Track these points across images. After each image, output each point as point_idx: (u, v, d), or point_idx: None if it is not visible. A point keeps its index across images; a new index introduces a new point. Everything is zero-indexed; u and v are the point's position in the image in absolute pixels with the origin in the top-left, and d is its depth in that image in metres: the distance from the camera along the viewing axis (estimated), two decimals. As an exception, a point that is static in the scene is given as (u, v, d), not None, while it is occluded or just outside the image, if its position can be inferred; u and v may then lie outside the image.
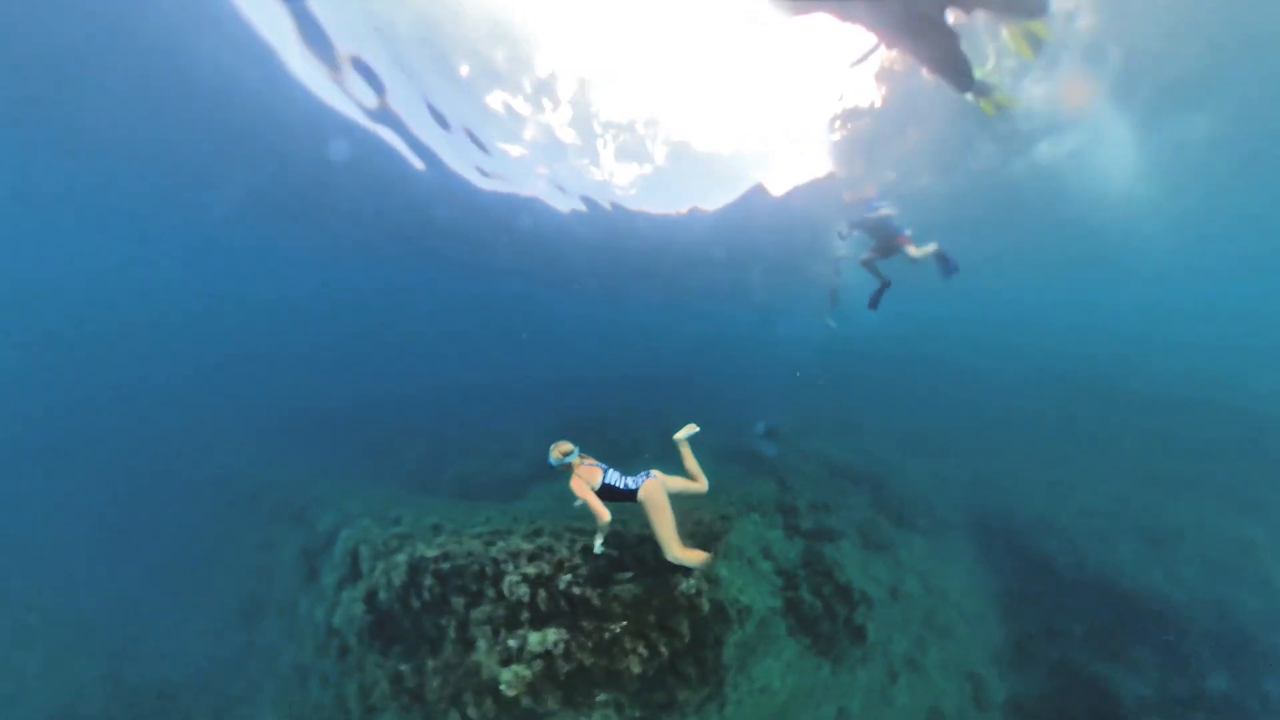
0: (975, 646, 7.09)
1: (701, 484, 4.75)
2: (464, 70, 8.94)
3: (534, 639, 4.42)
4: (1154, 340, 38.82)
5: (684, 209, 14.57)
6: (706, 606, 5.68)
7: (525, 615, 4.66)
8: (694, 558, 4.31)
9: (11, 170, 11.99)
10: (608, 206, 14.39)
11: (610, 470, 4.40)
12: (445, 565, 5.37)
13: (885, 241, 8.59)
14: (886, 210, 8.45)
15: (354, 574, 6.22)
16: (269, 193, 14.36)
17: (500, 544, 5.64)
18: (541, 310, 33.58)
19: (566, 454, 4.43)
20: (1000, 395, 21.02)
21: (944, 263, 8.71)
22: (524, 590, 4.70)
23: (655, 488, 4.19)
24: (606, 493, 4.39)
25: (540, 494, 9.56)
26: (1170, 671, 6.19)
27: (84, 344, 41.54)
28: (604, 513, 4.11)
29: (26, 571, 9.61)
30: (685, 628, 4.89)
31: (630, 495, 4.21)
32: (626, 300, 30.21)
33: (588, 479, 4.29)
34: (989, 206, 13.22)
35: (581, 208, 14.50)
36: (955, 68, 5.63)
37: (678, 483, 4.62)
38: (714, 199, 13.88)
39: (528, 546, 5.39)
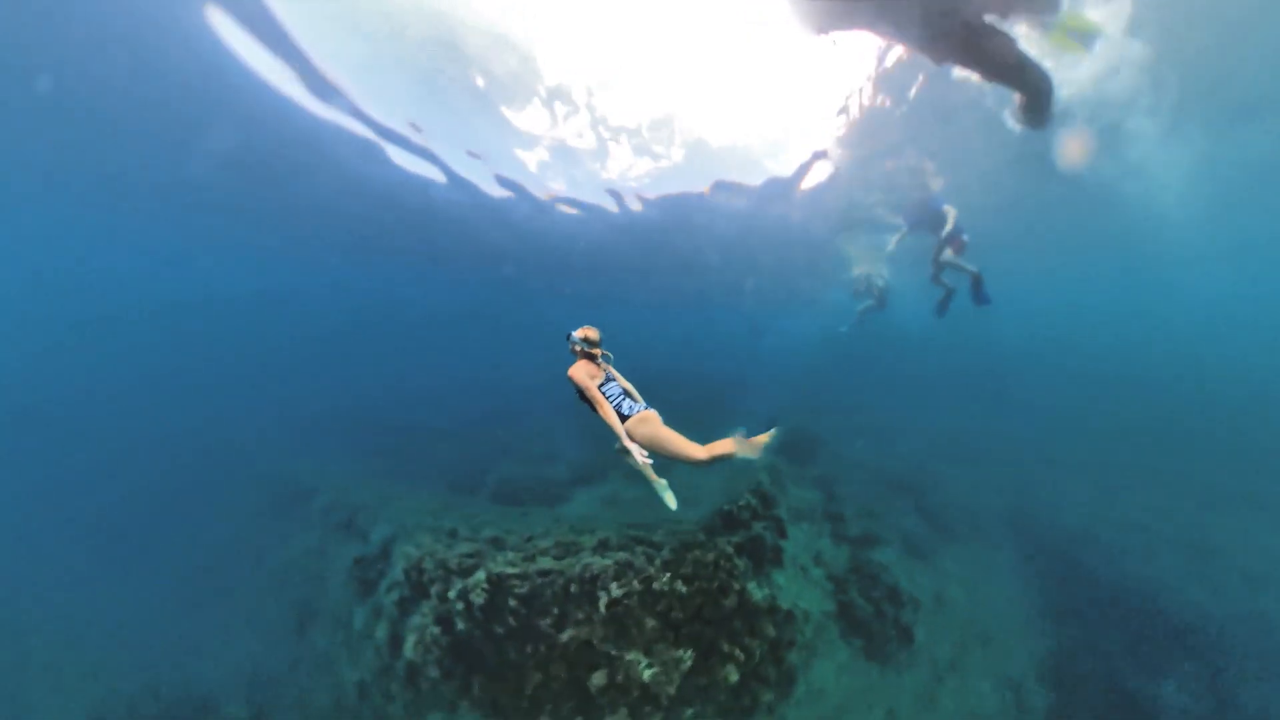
0: (1017, 654, 7.64)
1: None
2: (479, 82, 9.27)
3: (640, 663, 4.67)
4: (1203, 350, 38.48)
5: (697, 200, 14.68)
6: (785, 608, 6.22)
7: (623, 636, 4.86)
8: (725, 447, 3.67)
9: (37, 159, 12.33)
10: (614, 208, 14.68)
11: (613, 384, 3.97)
12: (524, 587, 5.36)
13: (941, 241, 8.91)
14: (950, 209, 8.73)
15: (418, 593, 6.19)
16: (299, 203, 14.86)
17: (572, 560, 5.81)
18: (565, 309, 34.12)
19: (592, 342, 3.94)
20: (1045, 401, 21.29)
21: (979, 290, 9.02)
22: (622, 605, 4.89)
23: (645, 420, 3.72)
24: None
25: (585, 498, 10.00)
26: (1207, 685, 6.73)
27: (126, 346, 43.11)
28: (609, 408, 3.72)
29: (59, 575, 9.98)
30: (770, 629, 5.39)
31: (621, 418, 3.79)
32: (649, 299, 30.56)
33: (592, 374, 3.85)
34: (1029, 211, 13.28)
35: (603, 205, 14.78)
36: (1020, 75, 5.42)
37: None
38: (720, 196, 13.97)
39: (605, 562, 5.54)
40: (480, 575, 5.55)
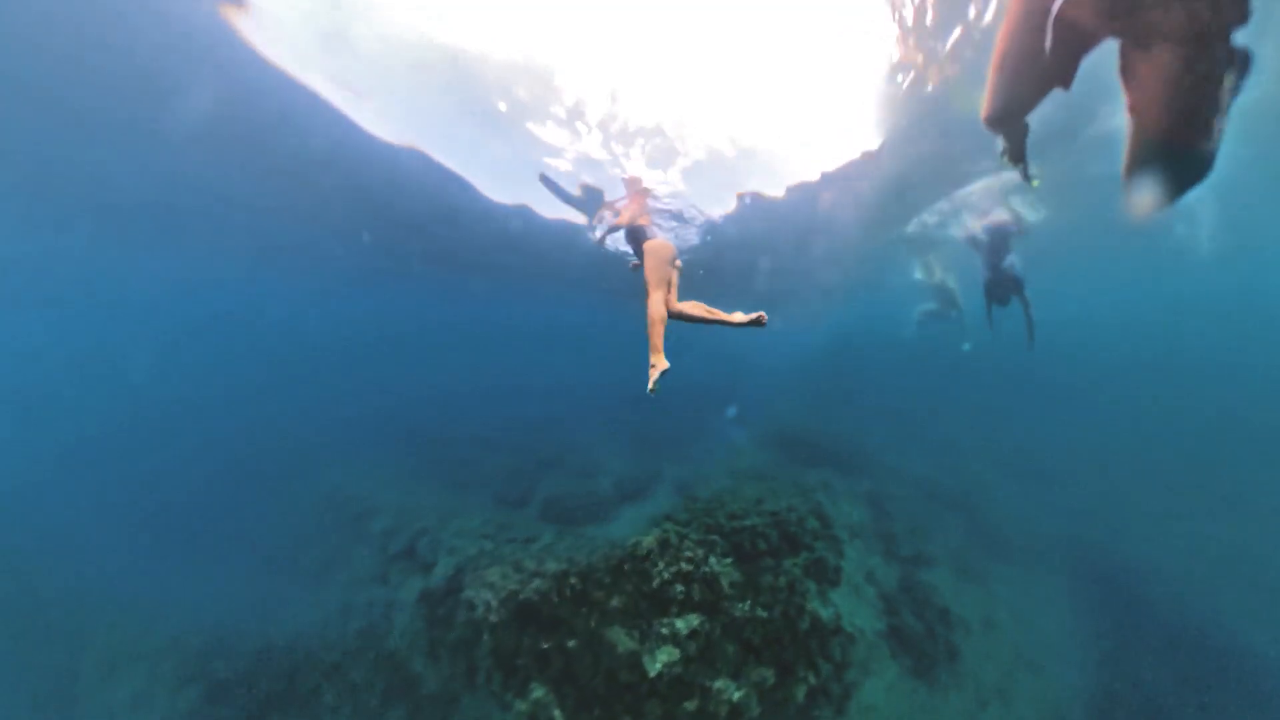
0: (1064, 685, 8.18)
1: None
2: (501, 105, 9.71)
3: (729, 688, 5.29)
4: None
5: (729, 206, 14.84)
6: (848, 630, 6.87)
7: (710, 665, 5.43)
8: (656, 313, 3.88)
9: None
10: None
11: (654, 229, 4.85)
12: (609, 628, 5.69)
13: (996, 279, 9.00)
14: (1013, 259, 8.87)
15: (495, 639, 6.30)
16: (347, 218, 15.68)
17: (647, 593, 6.17)
18: (598, 320, 34.81)
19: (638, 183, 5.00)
20: (1112, 416, 21.07)
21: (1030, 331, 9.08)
22: (705, 637, 5.55)
23: (663, 247, 4.34)
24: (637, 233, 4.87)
25: (631, 516, 10.61)
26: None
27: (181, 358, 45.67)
28: (623, 221, 4.89)
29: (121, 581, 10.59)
30: (838, 652, 6.07)
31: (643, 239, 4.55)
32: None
33: (635, 211, 4.79)
34: (1090, 213, 12.98)
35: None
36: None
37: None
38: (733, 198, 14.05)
39: (684, 594, 6.09)
40: (556, 621, 5.91)
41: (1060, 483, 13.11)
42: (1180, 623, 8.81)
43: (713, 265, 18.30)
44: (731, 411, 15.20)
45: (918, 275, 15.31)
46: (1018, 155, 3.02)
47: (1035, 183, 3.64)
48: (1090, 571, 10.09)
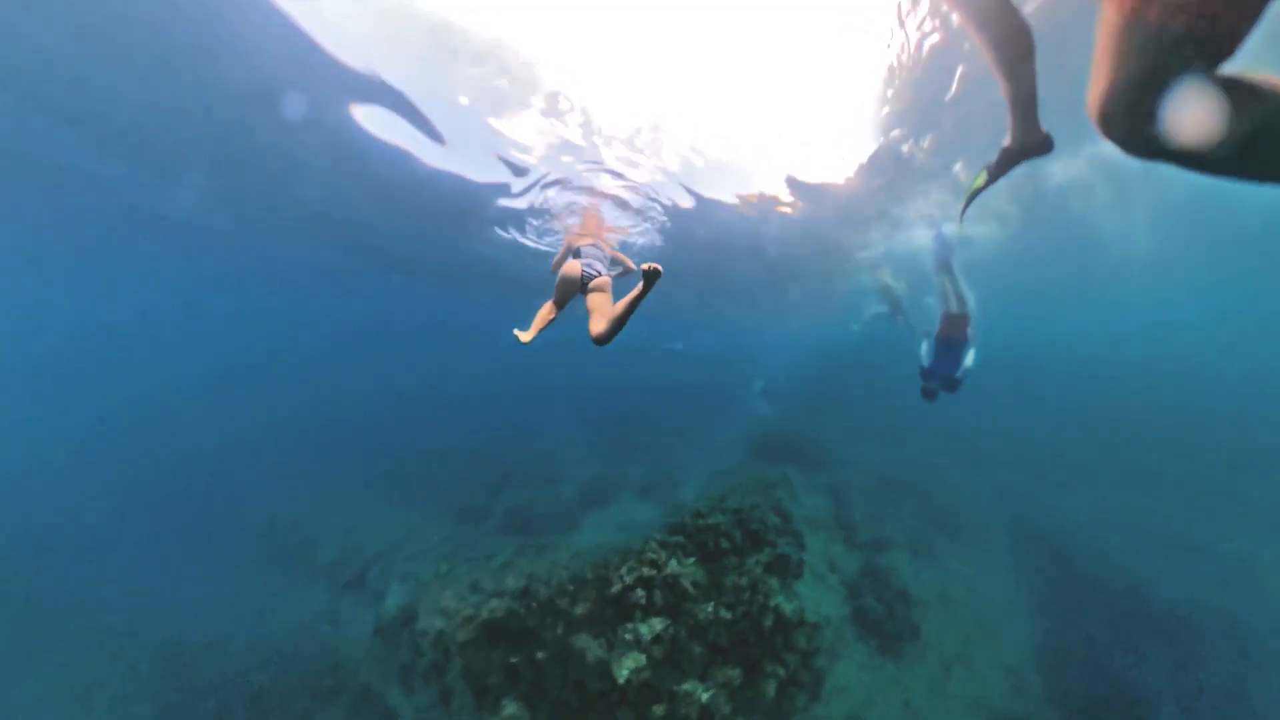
0: (1015, 644, 8.89)
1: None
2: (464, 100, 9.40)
3: (697, 689, 5.42)
4: (1195, 360, 41.10)
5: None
6: (813, 620, 7.16)
7: (677, 667, 5.57)
8: (546, 311, 4.69)
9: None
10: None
11: (594, 248, 5.55)
12: (573, 640, 5.68)
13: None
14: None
15: (454, 666, 6.28)
16: (278, 217, 14.82)
17: (608, 601, 6.16)
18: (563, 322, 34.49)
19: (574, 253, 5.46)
20: (1047, 406, 22.87)
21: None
22: (670, 641, 5.68)
23: (568, 268, 4.89)
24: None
25: (596, 522, 10.64)
26: (1182, 668, 8.10)
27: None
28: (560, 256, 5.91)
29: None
30: (803, 642, 6.30)
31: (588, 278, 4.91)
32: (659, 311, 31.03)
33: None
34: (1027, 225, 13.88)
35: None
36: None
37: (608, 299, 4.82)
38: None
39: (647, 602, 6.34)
40: (523, 635, 5.96)
41: (1001, 467, 14.20)
42: (1108, 581, 9.83)
43: (671, 265, 18.60)
44: (759, 385, 15.14)
45: (865, 280, 16.06)
46: (1010, 163, 2.60)
47: (962, 221, 3.49)
48: (1030, 544, 11.02)
